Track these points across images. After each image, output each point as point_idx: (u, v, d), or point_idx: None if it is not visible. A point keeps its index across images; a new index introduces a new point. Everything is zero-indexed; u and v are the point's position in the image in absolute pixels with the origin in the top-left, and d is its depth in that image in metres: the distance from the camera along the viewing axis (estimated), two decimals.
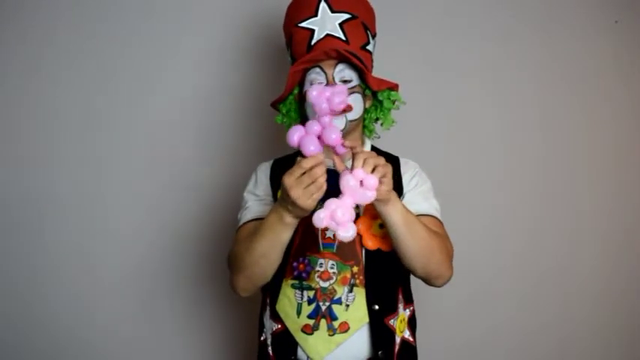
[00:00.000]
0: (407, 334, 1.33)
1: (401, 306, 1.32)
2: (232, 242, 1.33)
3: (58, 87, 1.96)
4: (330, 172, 1.21)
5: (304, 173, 1.08)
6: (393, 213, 1.17)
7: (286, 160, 1.37)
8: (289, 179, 1.08)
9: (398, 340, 1.29)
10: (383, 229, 1.25)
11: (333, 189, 1.21)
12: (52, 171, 1.96)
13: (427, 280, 1.30)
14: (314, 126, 1.09)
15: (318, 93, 1.11)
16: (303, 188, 1.07)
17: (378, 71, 1.39)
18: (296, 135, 1.08)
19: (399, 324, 1.30)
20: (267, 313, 1.33)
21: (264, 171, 1.39)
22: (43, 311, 1.96)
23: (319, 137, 1.09)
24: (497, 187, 2.13)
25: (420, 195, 1.35)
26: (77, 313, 1.97)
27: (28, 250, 1.95)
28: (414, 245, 1.21)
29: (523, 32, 2.16)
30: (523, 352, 2.16)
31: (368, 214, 1.27)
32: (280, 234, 1.16)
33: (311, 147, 1.07)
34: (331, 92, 1.12)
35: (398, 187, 1.33)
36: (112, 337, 1.99)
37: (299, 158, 1.09)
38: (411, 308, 1.36)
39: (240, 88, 2.02)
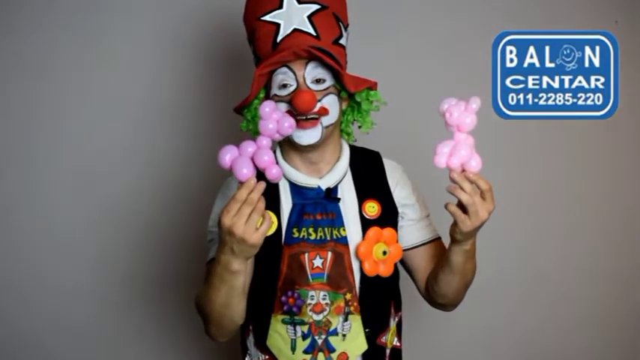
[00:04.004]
0: (395, 342, 1.28)
1: (392, 319, 1.26)
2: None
3: (39, 85, 1.93)
4: (293, 187, 1.20)
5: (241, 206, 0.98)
6: (458, 253, 1.14)
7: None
8: (227, 218, 0.98)
9: (388, 352, 1.25)
10: (385, 255, 1.20)
11: (301, 208, 1.19)
12: (34, 173, 1.93)
13: (443, 307, 1.30)
14: (248, 147, 1.00)
15: (270, 110, 1.02)
16: (245, 222, 0.98)
17: (360, 66, 1.33)
18: (228, 156, 0.99)
19: (389, 337, 1.25)
20: (252, 339, 1.25)
21: (231, 188, 1.22)
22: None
23: (252, 159, 1.00)
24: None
25: (423, 221, 1.30)
26: (41, 318, 1.94)
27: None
28: (460, 286, 1.21)
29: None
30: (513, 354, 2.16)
31: (371, 236, 1.20)
32: (232, 282, 1.06)
33: (244, 170, 0.98)
34: (282, 115, 1.03)
35: (388, 204, 1.26)
36: (85, 347, 1.96)
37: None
38: (400, 314, 1.31)
39: (215, 87, 1.99)
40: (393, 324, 1.27)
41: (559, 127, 2.18)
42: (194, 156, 1.97)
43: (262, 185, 1.00)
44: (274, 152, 1.10)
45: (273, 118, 1.02)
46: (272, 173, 1.00)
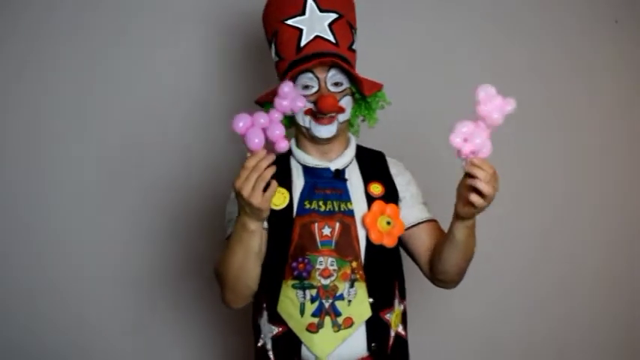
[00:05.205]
0: (400, 329, 1.35)
1: (397, 301, 1.34)
2: None
3: (48, 84, 1.95)
4: (305, 169, 1.32)
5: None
6: (462, 230, 1.21)
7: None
8: (237, 182, 1.11)
9: (392, 333, 1.32)
10: (389, 225, 1.29)
11: (312, 185, 1.31)
12: (43, 171, 1.96)
13: (444, 285, 1.37)
14: (261, 118, 1.10)
15: (289, 90, 1.14)
16: (252, 187, 1.10)
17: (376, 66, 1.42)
18: (241, 124, 1.10)
19: (394, 318, 1.33)
20: (265, 317, 1.32)
21: None
22: (33, 316, 1.96)
23: (264, 130, 1.10)
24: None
25: (420, 205, 1.39)
26: (65, 316, 1.97)
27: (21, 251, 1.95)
28: (461, 262, 1.29)
29: (523, 32, 2.17)
30: (514, 349, 2.19)
31: (375, 209, 1.30)
32: (248, 242, 1.19)
33: (256, 139, 1.09)
34: (296, 95, 1.15)
35: (390, 188, 1.37)
36: (100, 342, 1.98)
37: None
38: (404, 304, 1.39)
39: (232, 84, 2.02)
40: (397, 307, 1.35)
41: (560, 127, 2.20)
42: (227, 154, 1.99)
43: (271, 157, 1.12)
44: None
45: (290, 96, 1.14)
46: (280, 147, 1.12)
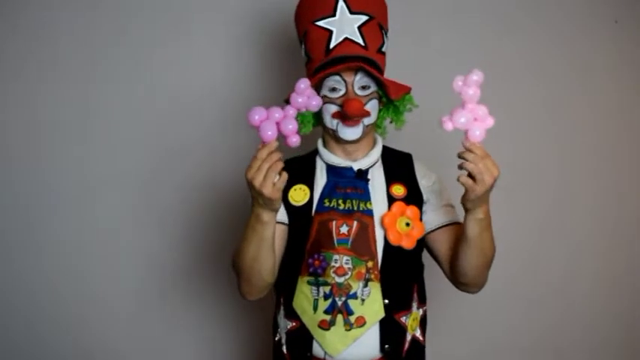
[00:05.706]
0: (417, 333, 1.35)
1: (415, 305, 1.34)
2: None
3: (53, 82, 1.95)
4: (329, 168, 1.33)
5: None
6: (472, 223, 1.21)
7: (296, 162, 1.38)
8: (250, 172, 1.13)
9: (409, 337, 1.32)
10: (408, 227, 1.29)
11: (334, 183, 1.32)
12: (49, 170, 1.96)
13: (466, 288, 1.35)
14: (276, 113, 1.13)
15: (305, 87, 1.16)
16: (263, 176, 1.12)
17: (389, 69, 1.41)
18: (257, 116, 1.12)
19: (411, 322, 1.32)
20: (282, 312, 1.35)
21: None
22: (40, 313, 1.96)
23: (277, 124, 1.13)
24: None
25: (447, 207, 1.38)
26: (66, 316, 1.97)
27: (28, 251, 1.96)
28: (478, 262, 1.26)
29: (523, 33, 2.17)
30: (513, 348, 2.19)
31: (395, 210, 1.30)
32: (262, 233, 1.20)
33: (269, 132, 1.12)
34: (312, 93, 1.16)
35: (414, 190, 1.36)
36: (100, 342, 1.99)
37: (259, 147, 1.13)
38: (424, 309, 1.39)
39: (245, 83, 2.02)
40: (415, 311, 1.34)
41: (560, 127, 2.19)
42: (225, 153, 1.99)
43: (279, 153, 1.13)
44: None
45: (305, 94, 1.15)
46: (292, 141, 1.13)
